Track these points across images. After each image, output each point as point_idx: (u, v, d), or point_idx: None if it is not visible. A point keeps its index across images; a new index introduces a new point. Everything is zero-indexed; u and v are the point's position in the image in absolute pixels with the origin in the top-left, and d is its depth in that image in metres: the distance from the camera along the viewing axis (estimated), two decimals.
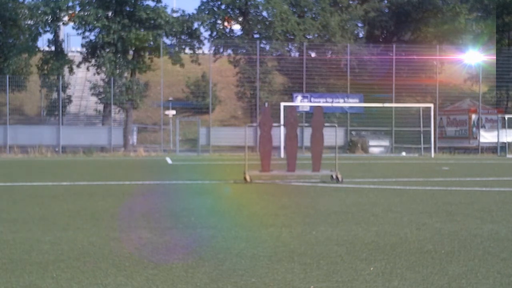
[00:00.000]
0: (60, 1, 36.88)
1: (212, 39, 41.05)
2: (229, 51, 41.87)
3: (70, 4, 37.88)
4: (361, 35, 47.97)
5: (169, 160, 27.39)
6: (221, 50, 41.63)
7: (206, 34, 41.05)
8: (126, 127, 37.96)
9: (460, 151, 37.11)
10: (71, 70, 39.64)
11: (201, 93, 44.47)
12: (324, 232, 6.89)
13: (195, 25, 40.11)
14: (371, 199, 10.55)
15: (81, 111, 45.68)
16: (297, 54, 43.50)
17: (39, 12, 37.28)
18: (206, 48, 42.14)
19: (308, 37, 42.53)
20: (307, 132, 27.19)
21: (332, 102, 35.91)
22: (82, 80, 45.00)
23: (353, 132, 38.79)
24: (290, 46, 42.89)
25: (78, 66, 39.79)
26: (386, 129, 38.86)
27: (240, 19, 42.06)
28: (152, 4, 38.12)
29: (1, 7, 38.45)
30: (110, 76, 36.77)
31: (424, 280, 4.71)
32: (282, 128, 25.32)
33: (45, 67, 38.55)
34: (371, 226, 7.35)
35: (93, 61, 38.83)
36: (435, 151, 34.51)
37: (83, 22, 37.27)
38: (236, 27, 43.07)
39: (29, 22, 39.07)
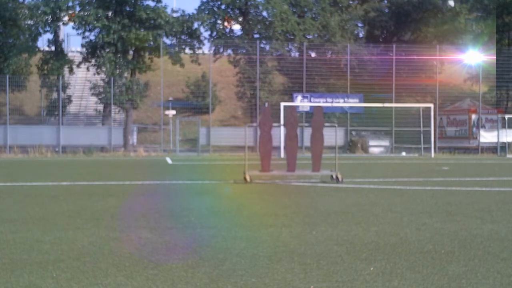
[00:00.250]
0: (60, 1, 36.86)
1: (212, 39, 41.05)
2: (229, 51, 41.88)
3: (70, 4, 37.87)
4: (361, 35, 47.96)
5: (169, 160, 27.40)
6: (221, 50, 41.64)
7: (206, 34, 41.05)
8: (126, 127, 37.95)
9: (460, 151, 37.10)
10: (71, 70, 39.64)
11: (201, 93, 44.47)
12: (324, 232, 6.89)
13: (195, 25, 40.12)
14: (371, 199, 10.55)
15: (81, 111, 45.68)
16: (297, 54, 43.49)
17: (39, 12, 37.27)
18: (206, 48, 42.17)
19: (308, 37, 42.53)
20: (307, 132, 27.20)
21: (332, 102, 35.92)
22: (82, 80, 45.00)
23: (353, 132, 38.79)
24: (290, 46, 42.89)
25: (78, 66, 39.80)
26: (386, 129, 38.86)
27: (240, 19, 42.07)
28: (152, 4, 38.14)
29: (1, 7, 38.43)
30: (110, 76, 36.78)
31: (424, 280, 4.71)
32: (282, 128, 25.32)
33: (45, 67, 38.54)
34: (371, 226, 7.35)
35: (93, 61, 38.83)
36: (435, 151, 34.51)
37: (83, 22, 37.25)
38: (236, 27, 43.08)
39: (29, 22, 39.05)
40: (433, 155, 32.93)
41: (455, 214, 8.47)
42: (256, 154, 19.89)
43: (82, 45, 39.56)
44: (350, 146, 37.31)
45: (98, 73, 38.56)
